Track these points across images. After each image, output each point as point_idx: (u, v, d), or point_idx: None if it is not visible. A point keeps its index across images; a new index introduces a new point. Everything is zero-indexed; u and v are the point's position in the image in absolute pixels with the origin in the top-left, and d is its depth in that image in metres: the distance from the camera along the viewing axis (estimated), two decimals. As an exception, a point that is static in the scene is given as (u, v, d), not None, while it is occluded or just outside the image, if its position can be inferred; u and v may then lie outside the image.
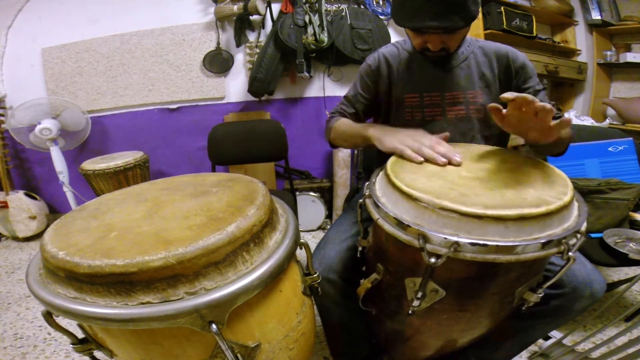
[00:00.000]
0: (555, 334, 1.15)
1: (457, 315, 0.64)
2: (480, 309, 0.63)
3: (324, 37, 1.91)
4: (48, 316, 0.52)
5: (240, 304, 0.49)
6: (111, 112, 2.22)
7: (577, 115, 2.29)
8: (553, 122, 0.60)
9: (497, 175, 0.63)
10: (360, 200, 0.68)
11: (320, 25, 1.91)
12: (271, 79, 2.02)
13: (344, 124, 0.95)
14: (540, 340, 1.13)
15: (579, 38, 2.45)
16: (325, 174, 2.42)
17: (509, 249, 0.49)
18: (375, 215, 0.61)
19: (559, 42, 2.45)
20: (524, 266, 0.56)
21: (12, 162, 2.21)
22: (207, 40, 2.11)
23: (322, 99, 2.21)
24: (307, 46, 1.91)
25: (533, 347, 1.13)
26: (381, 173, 0.70)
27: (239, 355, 0.53)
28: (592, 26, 2.36)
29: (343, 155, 2.08)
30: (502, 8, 2.08)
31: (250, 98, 2.18)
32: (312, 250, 0.77)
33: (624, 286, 1.29)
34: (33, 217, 2.17)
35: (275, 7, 2.02)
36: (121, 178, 1.85)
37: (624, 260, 1.05)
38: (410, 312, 0.63)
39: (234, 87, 2.22)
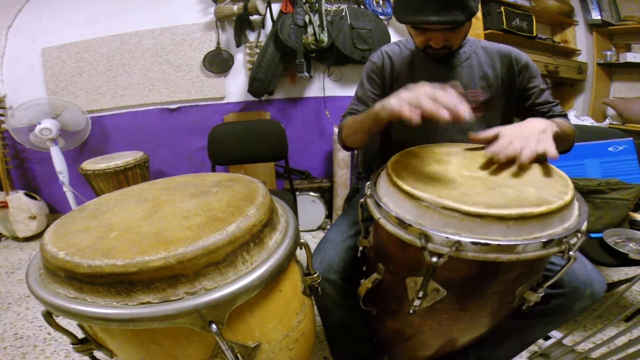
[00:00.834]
0: (555, 334, 1.14)
1: (457, 314, 0.64)
2: (481, 308, 0.63)
3: (324, 37, 1.91)
4: (48, 316, 0.52)
5: (240, 304, 0.49)
6: (111, 112, 2.22)
7: (577, 115, 2.29)
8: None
9: (498, 174, 0.63)
10: (362, 200, 0.68)
11: (320, 25, 1.91)
12: (271, 79, 2.02)
13: (352, 118, 0.93)
14: (540, 340, 1.13)
15: (579, 38, 2.45)
16: (325, 174, 2.42)
17: (511, 248, 0.49)
18: (376, 214, 0.61)
19: (559, 42, 2.45)
20: (524, 265, 0.56)
21: (12, 162, 2.21)
22: (207, 40, 2.11)
23: (322, 99, 2.21)
24: (307, 46, 1.91)
25: (533, 347, 1.13)
26: (382, 173, 0.70)
27: (239, 355, 0.53)
28: (592, 26, 2.36)
29: (343, 155, 2.08)
30: (502, 8, 2.08)
31: (250, 98, 2.18)
32: (312, 250, 0.77)
33: (624, 286, 1.29)
34: (33, 217, 2.16)
35: (275, 7, 2.02)
36: (121, 178, 1.85)
37: (624, 260, 1.05)
38: (411, 311, 0.63)
39: (234, 87, 2.22)
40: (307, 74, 2.01)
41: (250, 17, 1.98)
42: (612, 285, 1.30)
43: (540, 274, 0.62)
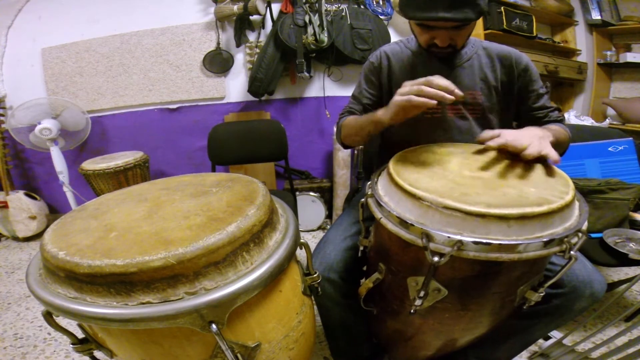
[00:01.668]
0: (555, 334, 1.14)
1: (459, 314, 0.64)
2: (482, 308, 0.63)
3: (324, 37, 1.91)
4: (48, 316, 0.52)
5: (240, 304, 0.49)
6: (111, 112, 2.22)
7: (577, 115, 2.29)
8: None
9: (498, 174, 0.63)
10: (362, 200, 0.68)
11: (320, 25, 1.91)
12: (271, 79, 2.02)
13: (352, 119, 0.94)
14: (540, 340, 1.13)
15: (579, 38, 2.45)
16: (325, 174, 2.42)
17: (512, 248, 0.50)
18: (378, 214, 0.61)
19: (559, 42, 2.45)
20: (526, 265, 0.56)
21: (12, 162, 2.21)
22: (207, 40, 2.11)
23: (322, 99, 2.21)
24: (307, 46, 1.91)
25: (533, 347, 1.13)
26: (383, 172, 0.70)
27: (239, 355, 0.53)
28: (592, 26, 2.36)
29: (343, 155, 2.08)
30: (502, 8, 2.08)
31: (250, 98, 2.18)
32: (312, 250, 0.77)
33: (624, 286, 1.29)
34: (33, 217, 2.16)
35: (275, 7, 2.02)
36: (121, 178, 1.85)
37: (624, 260, 1.05)
38: (412, 311, 0.63)
39: (234, 87, 2.22)
40: (307, 74, 2.01)
41: (250, 17, 1.98)
42: (612, 285, 1.30)
43: (541, 274, 0.63)
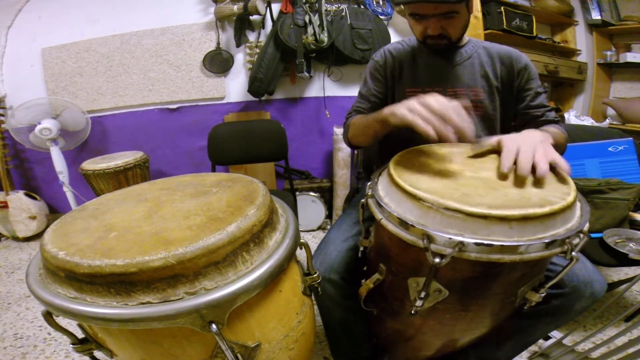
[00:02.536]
0: (555, 334, 1.14)
1: (459, 314, 0.64)
2: (483, 308, 0.63)
3: (324, 37, 1.91)
4: (48, 316, 0.52)
5: (240, 304, 0.49)
6: (111, 112, 2.22)
7: (577, 115, 2.29)
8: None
9: (500, 174, 0.63)
10: (363, 200, 0.68)
11: (320, 25, 1.91)
12: (271, 79, 2.02)
13: (359, 118, 0.93)
14: (540, 340, 1.13)
15: (579, 38, 2.45)
16: (325, 174, 2.42)
17: (513, 249, 0.49)
18: (378, 215, 0.61)
19: (559, 42, 2.45)
20: (527, 266, 0.56)
21: (12, 162, 2.21)
22: (207, 40, 2.11)
23: (322, 99, 2.21)
24: (307, 46, 1.91)
25: (533, 347, 1.13)
26: (384, 173, 0.70)
27: (239, 355, 0.53)
28: (592, 26, 2.36)
29: (343, 155, 2.08)
30: (502, 8, 2.08)
31: (250, 98, 2.18)
32: (312, 250, 0.77)
33: (624, 286, 1.29)
34: (33, 217, 2.16)
35: (275, 7, 2.02)
36: (121, 178, 1.85)
37: (624, 260, 1.05)
38: (412, 312, 0.63)
39: (234, 87, 2.22)
40: (307, 74, 2.01)
41: (250, 17, 1.98)
42: (612, 285, 1.30)
43: (542, 275, 0.62)
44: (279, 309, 0.59)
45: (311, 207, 2.16)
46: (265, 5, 1.98)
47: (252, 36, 2.09)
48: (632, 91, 2.39)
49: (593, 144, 1.40)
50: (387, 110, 0.72)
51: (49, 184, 2.31)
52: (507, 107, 0.95)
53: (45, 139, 1.91)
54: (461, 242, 0.50)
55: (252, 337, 0.55)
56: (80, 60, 2.10)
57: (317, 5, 1.92)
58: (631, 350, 0.78)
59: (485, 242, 0.49)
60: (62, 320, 0.50)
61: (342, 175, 2.12)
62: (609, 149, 1.39)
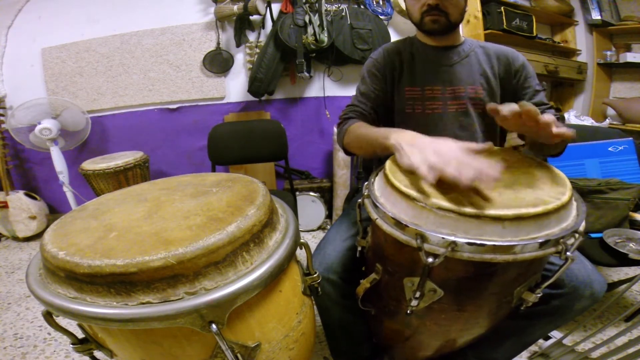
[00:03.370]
0: (555, 334, 1.14)
1: (455, 315, 0.64)
2: (479, 308, 0.63)
3: (324, 37, 1.91)
4: (48, 316, 0.52)
5: (240, 304, 0.49)
6: (111, 112, 2.22)
7: (577, 115, 2.29)
8: (555, 130, 0.57)
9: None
10: (359, 201, 0.68)
11: (320, 25, 1.91)
12: (271, 79, 2.02)
13: (360, 127, 0.85)
14: (540, 340, 1.13)
15: (579, 38, 2.45)
16: (325, 174, 2.42)
17: (507, 249, 0.49)
18: (373, 215, 0.61)
19: (559, 42, 2.45)
20: (522, 266, 0.56)
21: (12, 162, 2.21)
22: (207, 40, 2.11)
23: (322, 99, 2.21)
24: (307, 46, 1.91)
25: (533, 347, 1.13)
26: (380, 173, 0.70)
27: (239, 355, 0.53)
28: (592, 26, 2.35)
29: (343, 155, 2.08)
30: (502, 8, 2.08)
31: (250, 98, 2.18)
32: (312, 250, 0.77)
33: (624, 286, 1.29)
34: (33, 217, 2.16)
35: (275, 7, 2.02)
36: (121, 178, 1.85)
37: (624, 260, 1.05)
38: (408, 311, 0.63)
39: (234, 87, 2.22)
40: (307, 74, 2.01)
41: (250, 17, 1.99)
42: (612, 285, 1.30)
43: (538, 275, 0.62)
44: (279, 309, 0.59)
45: (311, 207, 2.16)
46: (265, 5, 1.98)
47: (252, 36, 2.09)
48: (632, 91, 2.39)
49: (593, 144, 1.40)
50: (395, 142, 0.66)
51: (49, 184, 2.31)
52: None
53: (45, 139, 1.91)
54: (454, 242, 0.50)
55: (252, 337, 0.55)
56: (80, 60, 2.11)
57: (317, 5, 1.92)
58: (631, 350, 0.78)
59: (478, 241, 0.49)
60: (62, 320, 0.51)
61: (342, 175, 2.12)
62: (609, 149, 1.39)
